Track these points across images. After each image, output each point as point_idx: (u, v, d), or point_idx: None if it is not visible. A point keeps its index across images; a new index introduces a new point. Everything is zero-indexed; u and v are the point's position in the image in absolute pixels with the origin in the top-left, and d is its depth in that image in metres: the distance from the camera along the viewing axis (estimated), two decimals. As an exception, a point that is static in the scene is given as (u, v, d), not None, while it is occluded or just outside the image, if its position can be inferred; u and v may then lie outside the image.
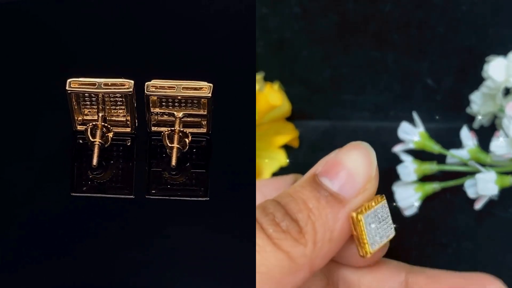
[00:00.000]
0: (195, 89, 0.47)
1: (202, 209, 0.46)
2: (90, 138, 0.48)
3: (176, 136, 0.47)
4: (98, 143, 0.48)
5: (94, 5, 0.59)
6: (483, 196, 0.47)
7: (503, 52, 0.50)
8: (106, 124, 0.48)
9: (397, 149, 0.51)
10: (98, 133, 0.48)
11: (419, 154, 0.51)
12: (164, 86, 0.47)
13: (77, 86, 0.47)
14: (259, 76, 0.56)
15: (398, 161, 0.51)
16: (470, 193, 0.47)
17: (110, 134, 0.48)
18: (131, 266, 0.44)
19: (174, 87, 0.47)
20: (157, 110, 0.48)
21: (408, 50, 0.56)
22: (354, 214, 0.31)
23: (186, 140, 0.48)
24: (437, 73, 0.57)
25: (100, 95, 0.47)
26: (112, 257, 0.44)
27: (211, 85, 0.47)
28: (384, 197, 0.33)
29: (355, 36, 0.56)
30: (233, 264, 0.43)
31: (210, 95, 0.47)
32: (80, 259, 0.44)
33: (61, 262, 0.44)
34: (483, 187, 0.46)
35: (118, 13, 0.59)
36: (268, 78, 0.57)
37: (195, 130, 0.49)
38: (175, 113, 0.48)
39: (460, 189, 0.48)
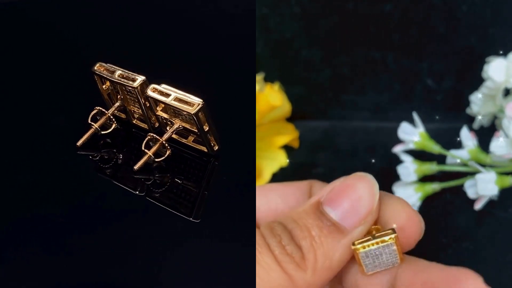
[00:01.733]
0: (186, 102, 0.46)
1: (202, 209, 0.46)
2: (89, 120, 0.49)
3: (156, 145, 0.47)
4: (94, 127, 0.49)
5: (95, 6, 0.60)
6: (483, 196, 0.47)
7: (503, 53, 0.50)
8: (116, 114, 0.49)
9: (397, 149, 0.51)
10: (102, 120, 0.49)
11: (419, 155, 0.51)
12: (161, 91, 0.46)
13: (100, 69, 0.48)
14: (259, 77, 0.56)
15: (398, 161, 0.51)
16: (470, 193, 0.48)
17: (114, 125, 0.49)
18: (131, 266, 0.44)
19: (170, 94, 0.46)
20: (161, 113, 0.48)
21: (408, 50, 0.57)
22: (352, 247, 0.33)
23: (167, 151, 0.47)
24: (437, 74, 0.57)
25: (117, 85, 0.48)
26: (112, 257, 0.44)
27: (201, 103, 0.45)
28: (393, 238, 0.33)
29: (355, 36, 0.57)
30: (231, 266, 0.43)
31: (193, 111, 0.45)
32: (79, 259, 0.44)
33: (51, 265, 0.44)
34: (483, 187, 0.46)
35: (119, 13, 0.59)
36: (268, 79, 0.57)
37: (197, 146, 0.49)
38: (173, 121, 0.48)
39: (460, 189, 0.48)
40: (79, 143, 0.49)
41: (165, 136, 0.47)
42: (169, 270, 0.43)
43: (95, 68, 0.48)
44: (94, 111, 0.49)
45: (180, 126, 0.47)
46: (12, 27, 0.58)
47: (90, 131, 0.49)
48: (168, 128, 0.48)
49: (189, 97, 0.45)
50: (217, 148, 0.48)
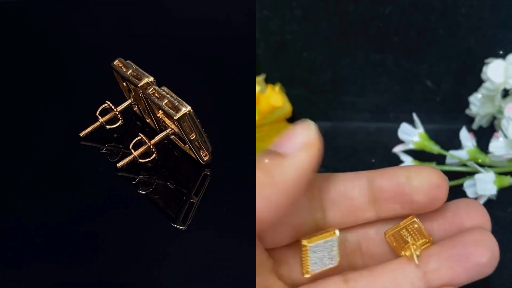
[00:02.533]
0: (174, 107, 0.45)
1: (202, 209, 0.46)
2: (97, 114, 0.49)
3: (143, 148, 0.47)
4: (100, 121, 0.49)
5: (95, 6, 0.60)
6: (482, 196, 0.47)
7: (502, 54, 0.50)
8: (136, 111, 0.49)
9: (397, 149, 0.51)
10: (108, 115, 0.49)
11: (419, 155, 0.51)
12: (159, 94, 0.46)
13: (118, 64, 0.48)
14: (260, 78, 0.56)
15: (398, 161, 0.51)
16: (469, 193, 0.48)
17: (120, 121, 0.49)
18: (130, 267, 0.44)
19: (164, 98, 0.45)
20: (161, 116, 0.47)
21: (408, 52, 0.57)
22: (303, 241, 0.35)
23: (153, 155, 0.47)
24: (437, 75, 0.57)
25: (129, 82, 0.48)
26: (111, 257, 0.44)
27: (186, 110, 0.44)
28: (337, 234, 0.36)
29: (355, 38, 0.57)
30: (231, 264, 0.43)
31: (177, 117, 0.44)
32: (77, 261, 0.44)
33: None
34: (482, 187, 0.46)
35: (118, 13, 0.59)
36: (269, 80, 0.57)
37: (191, 154, 0.48)
38: (169, 126, 0.47)
39: (459, 189, 0.48)
40: (82, 134, 0.49)
41: (154, 140, 0.47)
42: (165, 270, 0.43)
43: (114, 63, 0.48)
44: (103, 106, 0.49)
45: (170, 132, 0.47)
46: (12, 27, 0.58)
47: (96, 124, 0.49)
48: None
49: (180, 103, 0.45)
50: (207, 158, 0.47)
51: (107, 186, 0.47)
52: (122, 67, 0.48)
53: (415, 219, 0.36)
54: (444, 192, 0.35)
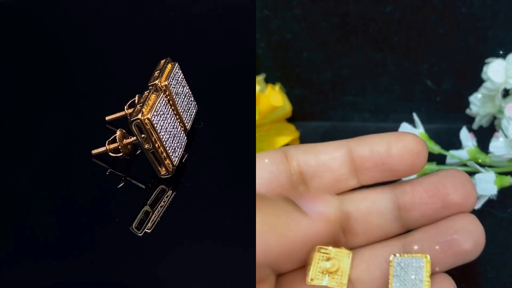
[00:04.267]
0: (136, 110, 0.44)
1: (202, 209, 0.46)
2: (126, 105, 0.49)
3: (115, 144, 0.47)
4: (125, 112, 0.48)
5: (90, 3, 0.60)
6: (482, 196, 0.47)
7: (502, 54, 0.50)
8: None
9: (397, 149, 0.51)
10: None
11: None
12: (143, 96, 0.45)
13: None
14: (260, 78, 0.56)
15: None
16: (470, 193, 0.48)
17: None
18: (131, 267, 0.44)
19: (146, 97, 0.44)
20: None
21: (408, 52, 0.57)
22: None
23: (122, 154, 0.47)
24: (437, 75, 0.57)
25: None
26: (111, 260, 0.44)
27: (139, 119, 0.43)
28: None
29: (355, 38, 0.57)
30: (232, 267, 0.43)
31: (129, 119, 0.43)
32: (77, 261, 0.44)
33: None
34: (482, 187, 0.46)
35: (118, 13, 0.59)
36: (269, 80, 0.57)
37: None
38: None
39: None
40: (108, 118, 0.49)
41: (126, 140, 0.46)
42: (166, 271, 0.43)
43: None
44: (133, 99, 0.48)
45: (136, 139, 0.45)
46: (12, 26, 0.58)
47: (121, 113, 0.49)
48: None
49: (146, 108, 0.44)
50: (164, 173, 0.46)
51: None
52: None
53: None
54: (423, 159, 0.36)
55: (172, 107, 0.47)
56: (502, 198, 0.48)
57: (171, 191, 0.46)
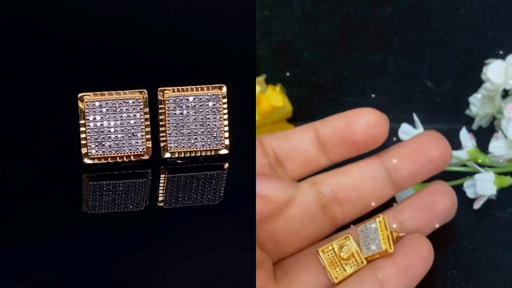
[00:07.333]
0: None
1: (202, 209, 0.46)
2: None
3: None
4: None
5: (91, 3, 0.60)
6: (482, 196, 0.47)
7: (502, 55, 0.50)
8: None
9: (397, 150, 0.51)
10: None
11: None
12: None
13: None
14: (261, 78, 0.56)
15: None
16: (469, 193, 0.48)
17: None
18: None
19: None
20: None
21: (408, 52, 0.57)
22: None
23: None
24: (437, 75, 0.57)
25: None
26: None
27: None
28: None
29: (356, 38, 0.57)
30: (232, 267, 0.43)
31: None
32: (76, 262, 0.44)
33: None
34: (482, 187, 0.46)
35: (117, 13, 0.59)
36: (270, 80, 0.57)
37: None
38: None
39: (459, 189, 0.48)
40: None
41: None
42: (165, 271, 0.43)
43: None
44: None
45: None
46: (11, 27, 0.58)
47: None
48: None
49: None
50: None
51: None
52: None
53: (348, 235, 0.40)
54: (383, 129, 0.39)
55: None
56: (502, 198, 0.48)
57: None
